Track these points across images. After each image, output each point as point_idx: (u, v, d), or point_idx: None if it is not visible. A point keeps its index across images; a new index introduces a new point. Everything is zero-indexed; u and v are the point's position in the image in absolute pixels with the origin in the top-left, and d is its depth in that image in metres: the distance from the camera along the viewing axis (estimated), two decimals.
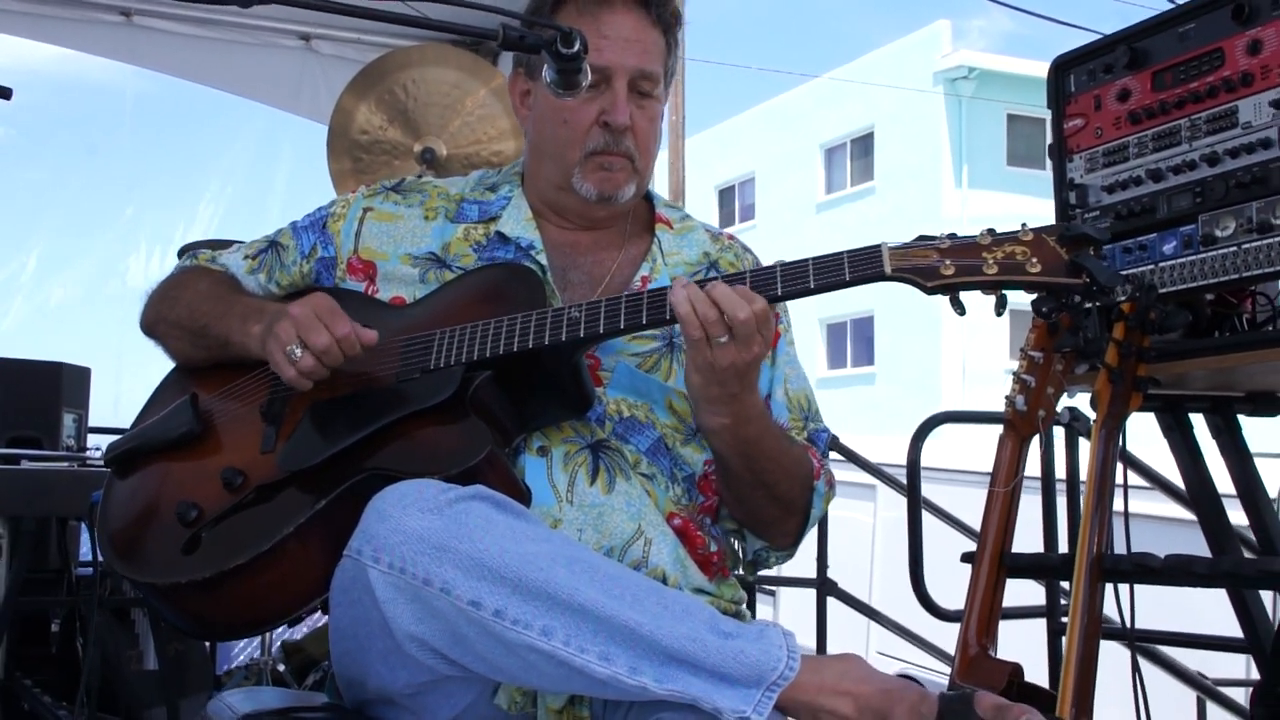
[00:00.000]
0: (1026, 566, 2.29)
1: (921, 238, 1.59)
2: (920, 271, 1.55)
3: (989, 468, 2.29)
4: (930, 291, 1.55)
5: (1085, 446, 2.93)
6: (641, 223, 1.98)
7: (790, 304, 1.76)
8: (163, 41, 4.94)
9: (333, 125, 4.20)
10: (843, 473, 5.43)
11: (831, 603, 4.43)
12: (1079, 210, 2.46)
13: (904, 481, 3.52)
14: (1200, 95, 2.22)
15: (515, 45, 1.50)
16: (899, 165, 22.18)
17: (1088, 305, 1.54)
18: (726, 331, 1.57)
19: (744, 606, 1.86)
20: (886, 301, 20.76)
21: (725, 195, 27.79)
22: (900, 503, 3.72)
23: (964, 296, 1.57)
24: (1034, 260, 1.53)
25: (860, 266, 1.58)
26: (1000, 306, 1.56)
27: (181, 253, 2.02)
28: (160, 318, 1.95)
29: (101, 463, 2.99)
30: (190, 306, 1.90)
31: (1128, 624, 2.11)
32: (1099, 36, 2.48)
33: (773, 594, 7.88)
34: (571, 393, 1.70)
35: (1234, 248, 2.15)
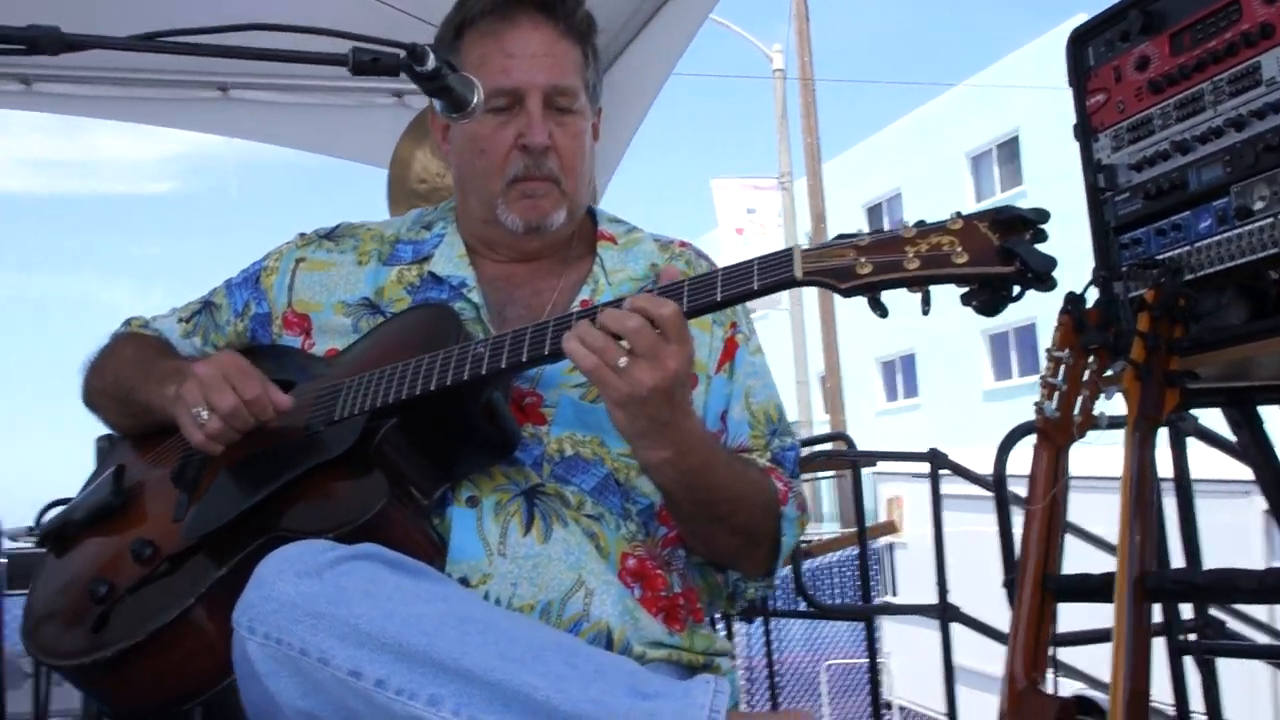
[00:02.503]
0: (1069, 589, 2.06)
1: (840, 236, 1.44)
2: (834, 273, 1.39)
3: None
4: (846, 294, 1.40)
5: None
6: (585, 244, 1.86)
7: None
8: (260, 112, 5.02)
9: (391, 175, 4.18)
10: (955, 486, 5.19)
11: (957, 629, 4.18)
12: (1109, 193, 2.24)
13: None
14: (1219, 54, 1.99)
15: (368, 69, 1.40)
16: (1048, 166, 21.41)
17: (1016, 294, 1.36)
18: (625, 353, 1.43)
19: (722, 658, 1.70)
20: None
21: (873, 213, 27.37)
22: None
23: (891, 296, 1.41)
24: (960, 250, 1.35)
25: (770, 273, 1.43)
26: (925, 304, 1.39)
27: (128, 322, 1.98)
28: (93, 388, 1.91)
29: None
30: (116, 374, 1.85)
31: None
32: None
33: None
34: (489, 435, 1.59)
35: (1271, 218, 1.91)
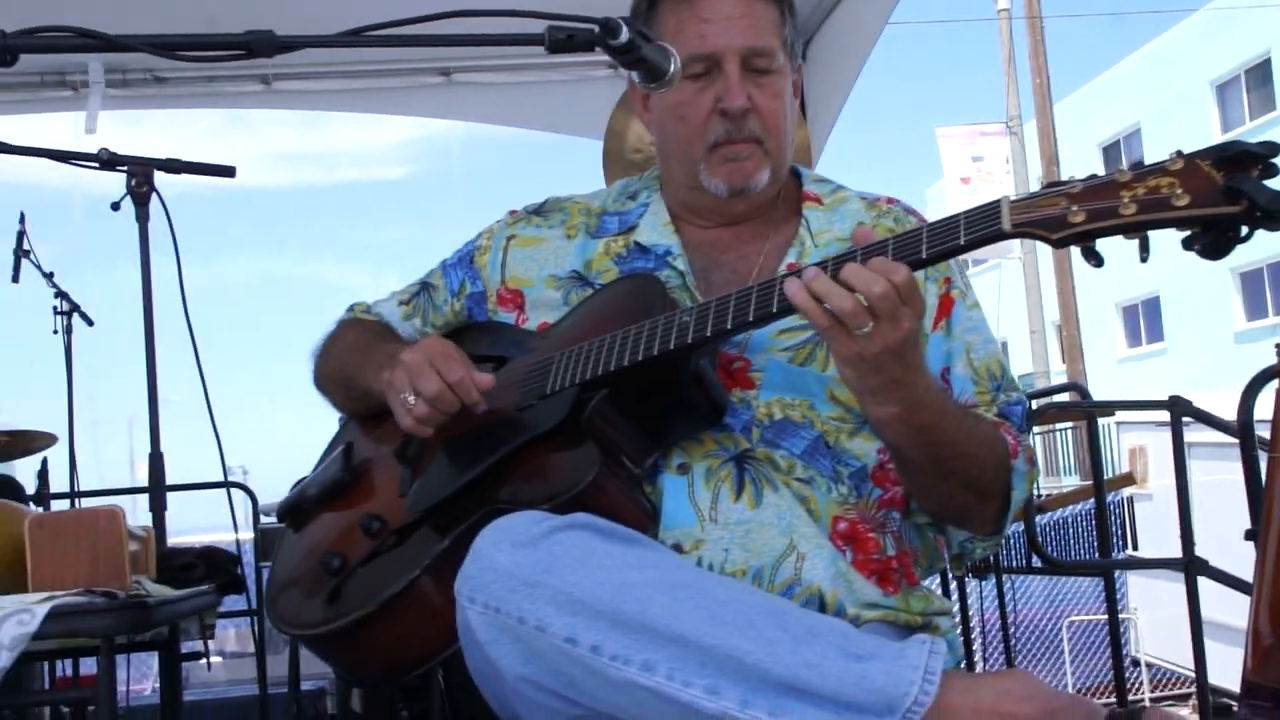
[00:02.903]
0: None
1: (1052, 184, 1.38)
2: (1045, 223, 1.34)
3: None
4: (1057, 244, 1.34)
5: None
6: (790, 205, 1.84)
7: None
8: (481, 93, 5.16)
9: (606, 149, 4.21)
10: (1194, 434, 4.92)
11: (1204, 584, 3.99)
12: None
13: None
14: None
15: (563, 47, 1.42)
16: None
17: (1244, 235, 1.27)
18: (870, 317, 1.40)
19: (941, 618, 1.67)
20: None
21: (1110, 152, 26.16)
22: None
23: (1106, 244, 1.34)
24: (1181, 192, 1.28)
25: (977, 227, 1.39)
26: (1144, 251, 1.32)
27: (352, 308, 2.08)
28: (320, 373, 2.00)
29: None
30: (340, 360, 1.93)
31: None
32: None
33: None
34: (698, 403, 1.60)
35: None
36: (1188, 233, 1.30)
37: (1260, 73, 21.54)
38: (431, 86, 5.01)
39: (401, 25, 1.37)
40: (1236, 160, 1.27)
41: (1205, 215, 1.27)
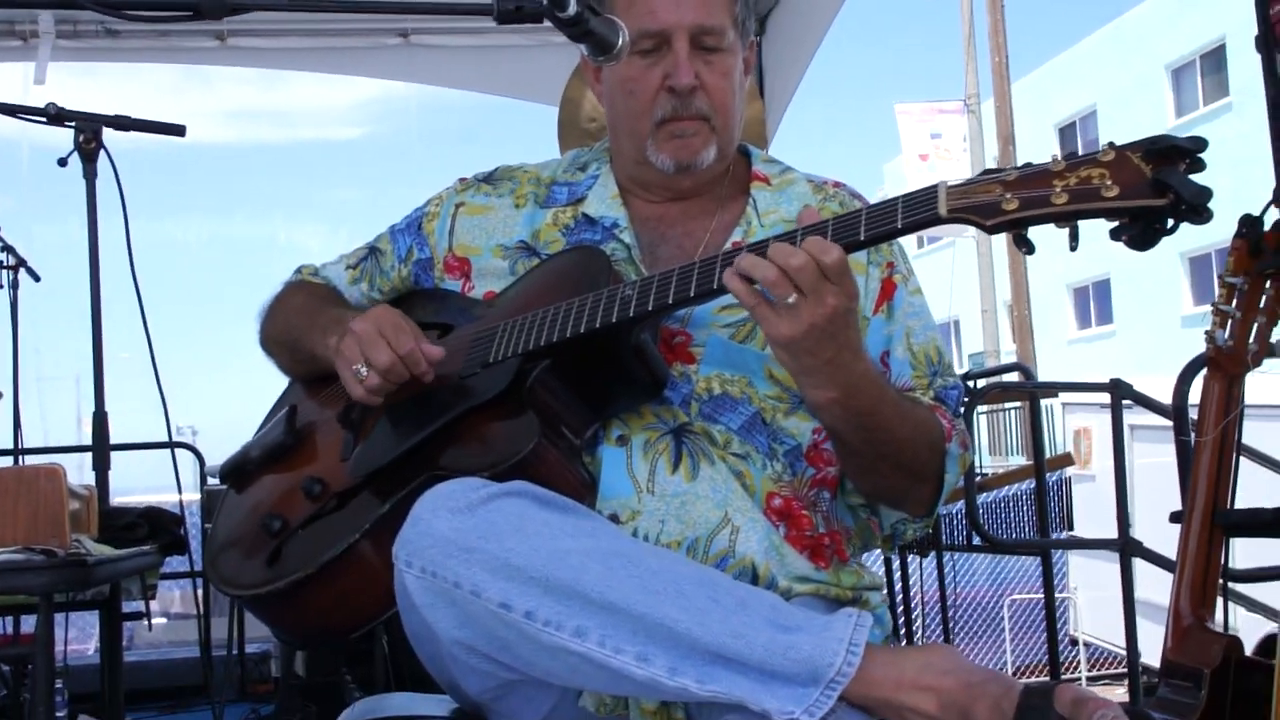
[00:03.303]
0: (1240, 524, 2.01)
1: (987, 172, 1.41)
2: (979, 209, 1.37)
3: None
4: (991, 230, 1.37)
5: None
6: (738, 184, 1.86)
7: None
8: (440, 56, 5.12)
9: (562, 117, 4.20)
10: (1137, 417, 4.99)
11: (1141, 565, 4.07)
12: None
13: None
14: None
15: (512, 18, 1.43)
16: (1258, 76, 20.29)
17: (1170, 227, 1.31)
18: (792, 288, 1.42)
19: (872, 593, 1.71)
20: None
21: (1066, 133, 26.35)
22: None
23: (1036, 232, 1.38)
24: (1111, 183, 1.31)
25: (914, 211, 1.41)
26: (1073, 240, 1.35)
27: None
28: (266, 335, 2.00)
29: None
30: (285, 322, 1.94)
31: None
32: None
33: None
34: (638, 375, 1.62)
35: None
36: (1116, 223, 1.34)
37: (1215, 58, 21.73)
38: (389, 48, 4.98)
39: None
40: (1165, 154, 1.31)
41: (1133, 206, 1.30)
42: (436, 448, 1.61)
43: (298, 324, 1.90)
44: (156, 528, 2.37)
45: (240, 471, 1.85)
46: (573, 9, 1.44)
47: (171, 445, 2.79)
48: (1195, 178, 1.29)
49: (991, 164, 17.86)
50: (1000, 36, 17.89)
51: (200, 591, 3.32)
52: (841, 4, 4.25)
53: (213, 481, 4.25)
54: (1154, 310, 22.80)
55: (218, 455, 4.02)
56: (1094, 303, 26.07)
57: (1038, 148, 24.88)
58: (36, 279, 4.21)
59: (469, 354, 1.69)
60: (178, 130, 2.69)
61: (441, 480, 1.49)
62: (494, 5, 1.44)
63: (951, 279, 19.16)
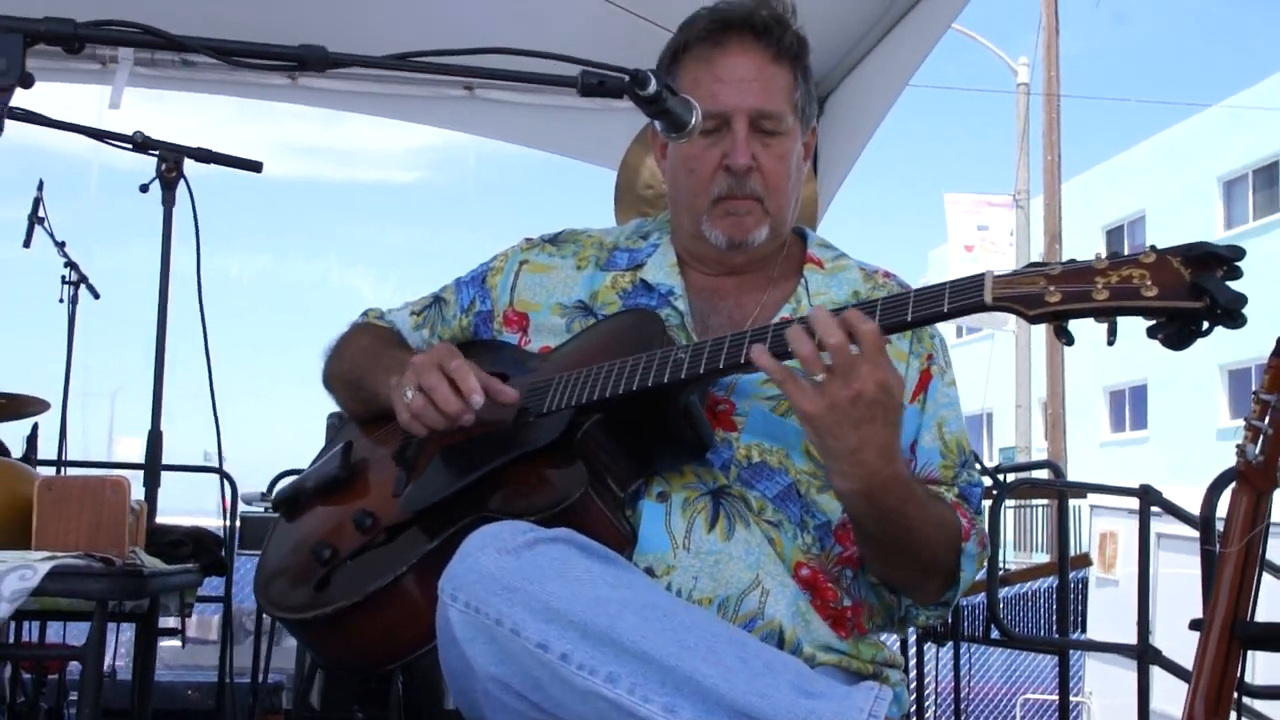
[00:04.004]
0: (1258, 637, 2.04)
1: (1032, 264, 1.48)
2: (1023, 299, 1.43)
3: None
4: (1033, 320, 1.44)
5: None
6: (793, 264, 1.93)
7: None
8: (502, 111, 5.22)
9: (619, 182, 4.30)
10: (1164, 525, 4.98)
11: (1157, 673, 4.07)
12: None
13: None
14: None
15: (594, 91, 1.52)
16: None
17: (1205, 329, 1.37)
18: (821, 367, 1.48)
19: (891, 669, 1.75)
20: None
21: (1113, 235, 26.37)
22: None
23: (1078, 331, 1.44)
24: (1150, 284, 1.37)
25: (960, 296, 1.48)
26: (1111, 335, 1.41)
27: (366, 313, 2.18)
28: (330, 373, 2.08)
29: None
30: (351, 362, 2.02)
31: None
32: None
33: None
34: (685, 436, 1.68)
35: None
36: (1153, 322, 1.40)
37: (1268, 174, 21.78)
38: (453, 99, 5.07)
39: (446, 55, 1.46)
40: (1204, 260, 1.37)
41: (1170, 307, 1.36)
42: (486, 490, 1.68)
43: (362, 363, 1.98)
44: (200, 548, 2.44)
45: (294, 501, 1.92)
46: (653, 88, 1.52)
47: (221, 472, 2.86)
48: (1232, 285, 1.35)
49: (1038, 259, 17.93)
50: (1054, 135, 18.02)
51: (225, 617, 3.38)
52: (901, 90, 4.31)
53: (245, 508, 4.32)
54: (1189, 419, 22.65)
55: (243, 485, 4.10)
56: (1129, 407, 25.93)
57: (1084, 248, 24.65)
58: (96, 296, 4.33)
59: (523, 402, 1.76)
60: (254, 166, 2.80)
61: (489, 522, 1.56)
62: (578, 79, 1.53)
63: (988, 371, 19.14)
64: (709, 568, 1.66)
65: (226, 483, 4.84)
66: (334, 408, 2.23)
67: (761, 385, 1.78)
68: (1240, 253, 1.37)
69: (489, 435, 1.75)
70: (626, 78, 1.51)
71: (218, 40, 1.43)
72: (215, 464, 3.18)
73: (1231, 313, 1.33)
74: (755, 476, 1.75)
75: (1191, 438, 22.06)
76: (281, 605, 1.78)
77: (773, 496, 1.74)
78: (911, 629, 3.82)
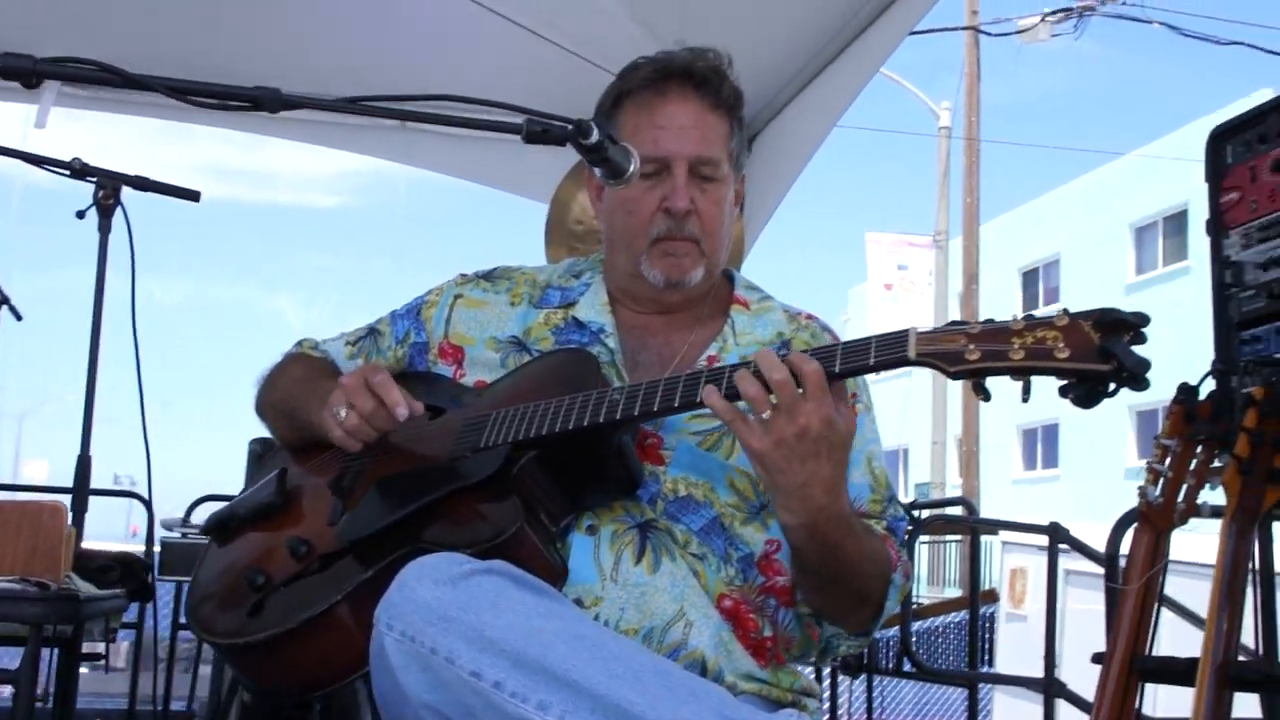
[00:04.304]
0: (1155, 670, 2.14)
1: (953, 323, 1.56)
2: (944, 356, 1.51)
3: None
4: (953, 377, 1.51)
5: None
6: (720, 304, 2.01)
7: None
8: (434, 141, 5.22)
9: (551, 216, 4.36)
10: (1072, 562, 5.11)
11: (1062, 706, 4.19)
12: (1234, 289, 2.31)
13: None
14: None
15: (538, 139, 1.58)
16: None
17: (1111, 391, 1.46)
18: (768, 406, 1.55)
19: (809, 699, 1.82)
20: None
21: (1029, 278, 26.98)
22: None
23: (994, 381, 1.52)
24: (1063, 346, 1.46)
25: (886, 351, 1.56)
26: (1025, 392, 1.50)
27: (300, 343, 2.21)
28: (264, 401, 2.12)
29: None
30: (285, 391, 2.06)
31: None
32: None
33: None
34: (617, 473, 1.74)
35: None
36: (1064, 382, 1.48)
37: (1178, 221, 22.38)
38: (385, 128, 5.06)
39: (394, 100, 1.51)
40: (1113, 325, 1.46)
41: (1080, 369, 1.45)
42: (422, 522, 1.72)
43: (296, 392, 2.02)
44: (127, 573, 2.44)
45: (226, 526, 1.95)
46: (595, 138, 1.59)
47: (139, 497, 2.85)
48: (1138, 349, 1.45)
49: (955, 300, 18.23)
50: (974, 178, 18.42)
51: (136, 644, 3.35)
52: (828, 132, 4.38)
53: (164, 534, 4.29)
54: (1099, 458, 23.16)
55: (165, 510, 4.08)
56: (1041, 445, 26.44)
57: (1001, 289, 25.58)
58: (19, 318, 4.28)
59: (459, 437, 1.81)
60: (192, 195, 2.82)
61: (423, 553, 1.60)
62: (523, 127, 1.59)
63: (904, 407, 19.45)
64: (635, 599, 1.71)
65: (145, 508, 4.80)
66: (256, 433, 2.27)
67: (689, 421, 1.84)
68: (1145, 319, 1.46)
69: (425, 468, 1.80)
70: (570, 126, 1.57)
71: (175, 80, 1.47)
72: (133, 488, 3.17)
73: (1136, 376, 1.42)
74: (681, 510, 1.81)
75: (1100, 476, 22.55)
76: (214, 630, 1.81)
77: (698, 530, 1.80)
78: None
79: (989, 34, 17.55)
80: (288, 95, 1.50)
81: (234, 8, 3.94)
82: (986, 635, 8.01)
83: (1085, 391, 1.47)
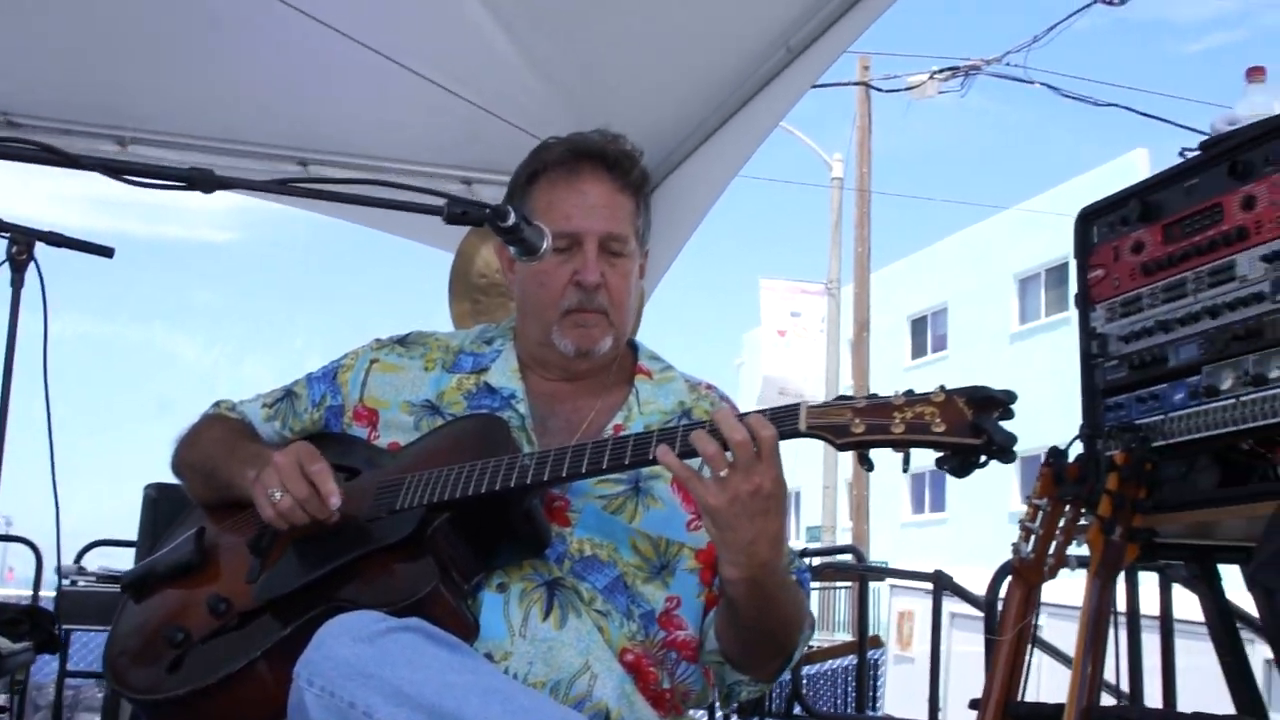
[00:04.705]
0: (1026, 715, 2.28)
1: (841, 398, 1.68)
2: (832, 429, 1.63)
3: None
4: (840, 448, 1.64)
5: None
6: (624, 373, 2.12)
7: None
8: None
9: (454, 268, 4.45)
10: (959, 606, 5.29)
11: None
12: (1100, 359, 2.49)
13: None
14: (1203, 248, 2.25)
15: (459, 220, 1.68)
16: None
17: (983, 462, 1.59)
18: (725, 465, 1.65)
19: None
20: None
21: (917, 326, 27.65)
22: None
23: (877, 453, 1.65)
24: (939, 421, 1.59)
25: (779, 422, 1.68)
26: (905, 463, 1.63)
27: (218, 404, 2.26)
28: (181, 461, 2.18)
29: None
30: (204, 452, 2.12)
31: None
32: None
33: None
34: (526, 535, 1.84)
35: (1233, 400, 2.15)
36: (940, 454, 1.62)
37: (1060, 273, 23.14)
38: (287, 174, 5.07)
39: (327, 183, 1.60)
40: (983, 402, 1.60)
41: (954, 443, 1.59)
42: (339, 581, 1.80)
43: (215, 454, 2.08)
44: (35, 625, 2.46)
45: (143, 583, 2.00)
46: (512, 220, 1.69)
47: (27, 542, 2.85)
48: (1006, 425, 1.59)
49: (846, 346, 18.57)
50: (865, 228, 18.88)
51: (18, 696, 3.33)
52: (727, 185, 4.46)
53: (62, 582, 4.24)
54: (984, 503, 23.68)
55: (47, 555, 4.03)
56: (929, 490, 27.00)
57: (891, 335, 26.10)
58: None
59: (376, 499, 1.89)
60: (106, 252, 2.85)
61: (341, 611, 1.68)
62: (444, 209, 1.69)
63: (796, 453, 19.69)
64: (543, 654, 1.81)
65: (33, 553, 4.75)
66: (151, 479, 2.31)
67: (596, 485, 1.95)
68: (1013, 397, 1.60)
69: (343, 528, 1.87)
70: (488, 209, 1.67)
71: (113, 160, 1.54)
72: (8, 530, 3.14)
73: (1004, 450, 1.57)
74: (586, 569, 1.91)
75: (986, 519, 23.05)
76: (131, 685, 1.86)
77: (602, 588, 1.90)
78: (717, 706, 4.02)
79: (880, 90, 18.00)
80: (221, 176, 1.57)
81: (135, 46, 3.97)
82: (875, 679, 8.20)
83: (959, 463, 1.61)
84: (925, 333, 27.44)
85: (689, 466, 1.69)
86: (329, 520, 1.85)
